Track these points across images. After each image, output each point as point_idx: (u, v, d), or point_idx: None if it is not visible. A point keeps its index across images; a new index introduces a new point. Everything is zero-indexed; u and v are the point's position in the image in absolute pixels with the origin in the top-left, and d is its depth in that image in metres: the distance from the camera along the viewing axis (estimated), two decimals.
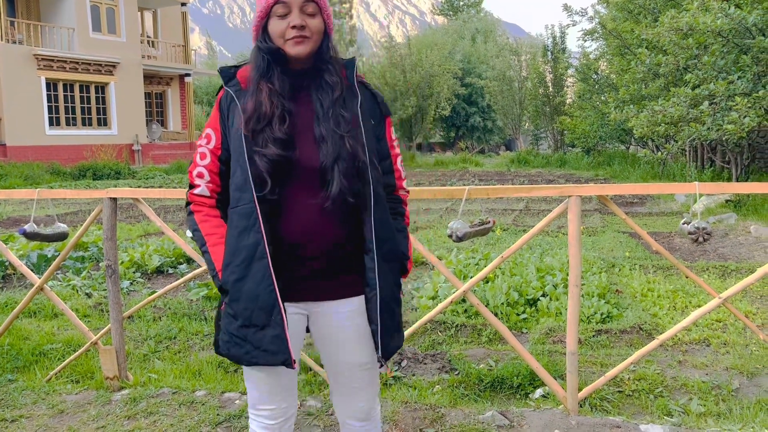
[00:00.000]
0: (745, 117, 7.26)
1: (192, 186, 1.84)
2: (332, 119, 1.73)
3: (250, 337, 1.71)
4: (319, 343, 1.89)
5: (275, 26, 1.73)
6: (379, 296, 1.75)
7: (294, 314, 1.80)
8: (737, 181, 11.40)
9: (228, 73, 1.84)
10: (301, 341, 1.87)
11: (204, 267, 3.42)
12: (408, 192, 2.01)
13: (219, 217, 1.83)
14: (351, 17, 37.82)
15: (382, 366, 1.83)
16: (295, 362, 1.72)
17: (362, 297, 1.80)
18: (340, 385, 1.91)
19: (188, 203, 1.86)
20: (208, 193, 1.82)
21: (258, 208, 1.68)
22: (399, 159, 1.94)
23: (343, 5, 36.94)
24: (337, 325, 1.82)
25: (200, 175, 1.82)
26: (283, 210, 1.72)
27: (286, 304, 1.75)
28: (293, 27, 1.70)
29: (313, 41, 1.74)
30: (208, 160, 1.81)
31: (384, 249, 1.77)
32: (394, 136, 1.93)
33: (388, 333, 1.78)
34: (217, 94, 1.85)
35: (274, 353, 1.70)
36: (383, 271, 1.76)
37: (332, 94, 1.75)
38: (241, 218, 1.70)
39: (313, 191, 1.71)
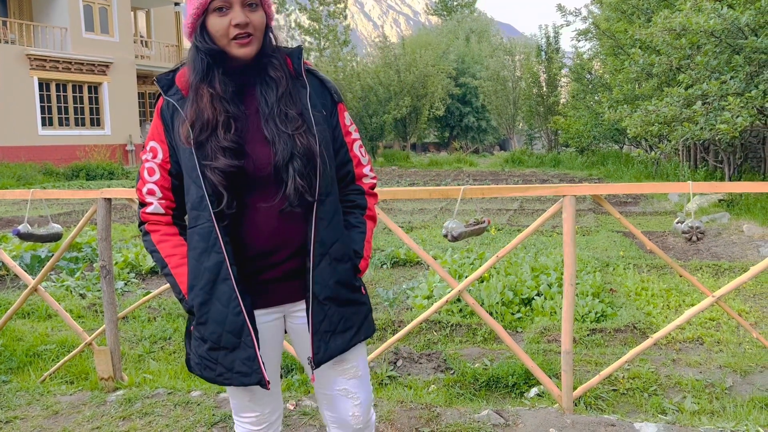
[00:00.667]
0: (737, 117, 7.30)
1: (143, 204, 1.71)
2: (278, 117, 1.62)
3: (221, 359, 1.65)
4: (292, 341, 1.86)
5: (215, 24, 1.58)
6: (312, 298, 1.67)
7: (273, 321, 1.74)
8: (730, 180, 11.46)
9: (165, 81, 1.69)
10: (280, 348, 1.83)
11: None
12: (375, 178, 1.86)
13: (178, 234, 1.72)
14: (345, 17, 37.79)
15: (311, 371, 1.74)
16: (269, 382, 1.66)
17: None
18: (320, 394, 1.85)
19: (142, 223, 1.73)
20: (162, 211, 1.70)
21: (216, 227, 1.59)
22: (356, 144, 1.80)
23: (338, 5, 36.91)
24: (299, 325, 1.77)
25: (151, 192, 1.69)
26: (245, 219, 1.63)
27: (263, 311, 1.71)
28: (236, 25, 1.56)
29: (258, 39, 1.61)
30: (157, 176, 1.68)
31: (329, 249, 1.67)
32: (348, 122, 1.80)
33: (321, 337, 1.68)
34: (156, 103, 1.71)
35: (247, 374, 1.64)
36: (321, 272, 1.66)
37: (276, 90, 1.64)
38: (201, 239, 1.61)
39: (270, 195, 1.62)
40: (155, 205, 1.69)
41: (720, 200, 10.03)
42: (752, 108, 7.39)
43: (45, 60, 21.96)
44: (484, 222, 3.03)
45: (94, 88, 23.97)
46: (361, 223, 1.80)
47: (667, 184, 3.04)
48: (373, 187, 1.86)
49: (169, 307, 5.17)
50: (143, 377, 3.65)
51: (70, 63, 22.71)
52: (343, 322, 1.71)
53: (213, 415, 3.01)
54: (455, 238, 2.94)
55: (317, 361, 1.69)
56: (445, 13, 54.23)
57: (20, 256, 6.56)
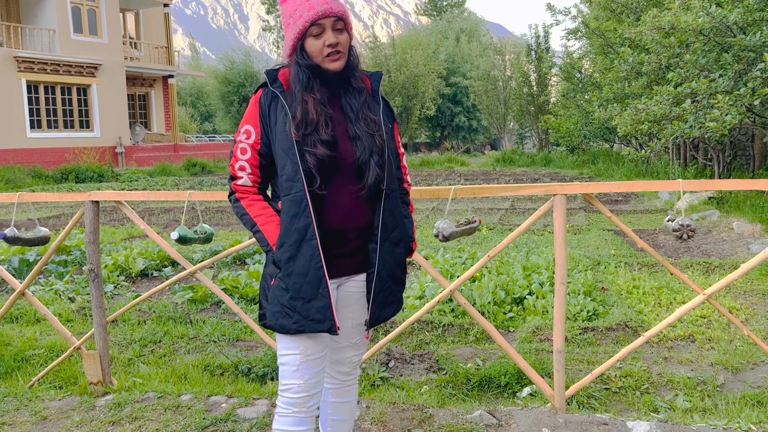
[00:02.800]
0: (726, 115, 7.33)
1: (234, 178, 2.05)
2: (362, 120, 2.00)
3: (299, 308, 1.94)
4: (339, 304, 2.11)
5: (312, 45, 1.96)
6: (377, 273, 2.01)
7: (333, 289, 2.02)
8: (719, 178, 11.51)
9: (273, 75, 2.04)
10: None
11: (187, 270, 3.39)
12: (411, 185, 2.31)
13: (263, 200, 2.05)
14: None
15: (367, 330, 2.12)
16: (338, 328, 1.98)
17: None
18: (334, 342, 2.16)
19: (232, 193, 2.06)
20: (250, 184, 2.03)
21: (308, 195, 1.91)
22: (404, 158, 2.26)
23: None
24: (349, 292, 2.10)
25: (242, 168, 2.02)
26: (327, 201, 1.96)
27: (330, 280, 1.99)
28: (329, 45, 1.94)
29: (345, 56, 1.99)
30: (249, 155, 2.02)
31: (390, 234, 2.04)
32: (399, 139, 2.21)
33: (378, 305, 2.06)
34: (254, 94, 2.04)
35: (321, 321, 1.94)
36: (384, 253, 2.02)
37: (359, 98, 2.03)
38: (293, 204, 1.93)
39: (350, 182, 1.97)
40: (245, 179, 2.03)
41: (710, 198, 10.08)
42: (741, 106, 7.42)
43: (33, 62, 21.80)
44: (475, 222, 3.02)
45: (83, 90, 23.81)
46: (410, 214, 2.23)
47: (658, 182, 3.04)
48: (410, 190, 2.30)
49: (159, 310, 5.13)
50: (133, 381, 3.61)
51: (59, 65, 22.56)
52: (392, 296, 2.11)
53: (203, 419, 2.99)
54: (446, 238, 2.93)
55: (371, 324, 2.08)
56: (435, 13, 54.31)
57: (8, 260, 6.49)
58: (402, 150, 2.24)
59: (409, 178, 2.27)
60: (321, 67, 1.98)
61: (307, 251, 1.93)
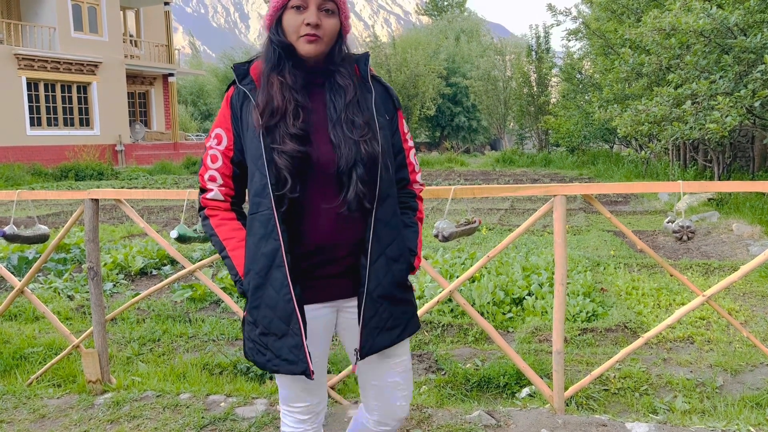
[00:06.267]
0: (727, 116, 7.32)
1: (204, 190, 1.79)
2: (345, 124, 1.69)
3: (270, 345, 1.71)
4: (341, 334, 1.90)
5: (290, 20, 1.67)
6: (366, 294, 1.73)
7: (326, 315, 1.79)
8: (719, 179, 11.52)
9: (241, 70, 1.77)
10: (329, 342, 1.87)
11: (187, 269, 3.38)
12: (423, 185, 1.98)
13: (235, 219, 1.80)
14: None
15: (357, 362, 1.80)
16: (313, 372, 1.71)
17: None
18: (369, 389, 1.90)
19: (201, 208, 1.82)
20: (221, 197, 1.78)
21: (276, 214, 1.64)
22: (412, 152, 1.91)
23: None
24: (350, 318, 1.82)
25: (212, 179, 1.78)
26: (306, 212, 1.69)
27: (318, 305, 1.76)
28: (307, 24, 1.65)
29: (325, 42, 1.69)
30: (219, 163, 1.76)
31: (385, 248, 1.75)
32: (406, 129, 1.89)
33: (371, 331, 1.74)
34: (226, 92, 1.79)
35: (293, 362, 1.69)
36: (376, 270, 1.73)
37: (344, 97, 1.71)
38: (261, 225, 1.67)
39: (331, 196, 1.68)
40: (215, 192, 1.78)
41: (709, 199, 10.08)
42: (741, 107, 7.42)
43: (33, 60, 21.78)
44: (475, 222, 3.02)
45: (83, 88, 23.80)
46: (414, 223, 1.89)
47: (658, 183, 3.04)
48: (421, 191, 1.96)
49: (159, 309, 5.13)
50: (131, 380, 3.61)
51: (59, 62, 22.55)
52: (392, 320, 1.78)
53: (202, 417, 2.98)
54: (446, 238, 2.93)
55: (363, 354, 1.75)
56: (435, 13, 54.29)
57: (7, 257, 6.49)
58: (409, 143, 1.90)
59: (419, 177, 1.94)
60: (294, 48, 1.69)
61: (276, 280, 1.67)
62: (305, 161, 1.65)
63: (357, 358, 1.78)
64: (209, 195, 1.78)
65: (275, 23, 1.70)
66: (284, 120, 1.65)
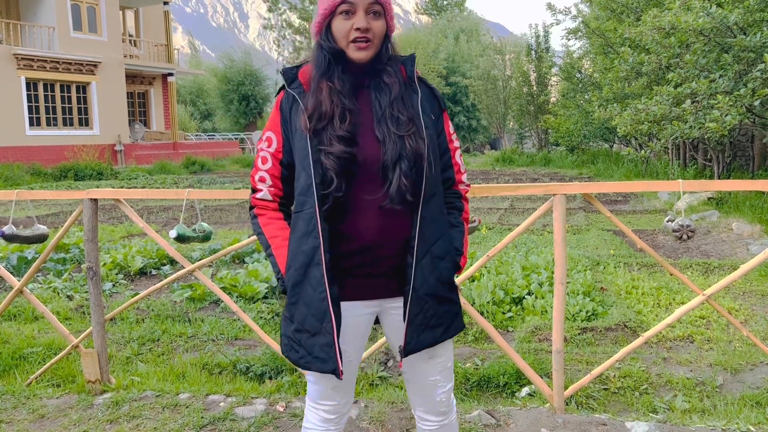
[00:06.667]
0: (726, 115, 7.32)
1: (254, 190, 1.86)
2: (390, 120, 1.73)
3: (303, 342, 1.76)
4: (387, 334, 1.93)
5: (339, 26, 1.71)
6: (413, 292, 1.75)
7: (366, 314, 1.82)
8: (719, 178, 11.51)
9: (290, 75, 1.83)
10: (364, 342, 1.89)
11: (186, 269, 3.38)
12: (469, 186, 2.01)
13: (282, 219, 1.86)
14: None
15: (401, 359, 1.83)
16: (342, 372, 1.73)
17: None
18: (412, 383, 1.93)
19: (252, 207, 1.88)
20: (270, 198, 1.84)
21: (318, 213, 1.69)
22: (458, 152, 1.93)
23: None
24: (395, 318, 1.84)
25: (262, 180, 1.84)
26: (350, 211, 1.72)
27: (360, 302, 1.79)
28: (357, 29, 1.69)
29: (375, 45, 1.73)
30: (269, 164, 1.83)
31: (431, 246, 1.77)
32: (452, 130, 1.92)
33: (416, 329, 1.77)
34: (276, 96, 1.85)
35: (324, 361, 1.73)
36: (422, 269, 1.75)
37: (389, 94, 1.75)
38: (304, 223, 1.72)
39: (377, 190, 1.72)
40: (264, 192, 1.84)
41: (709, 198, 10.07)
42: (741, 106, 7.42)
43: (32, 59, 21.77)
44: (474, 221, 3.02)
45: (83, 88, 23.79)
46: (460, 223, 1.92)
47: (658, 182, 3.04)
48: (467, 192, 1.99)
49: (158, 309, 5.12)
50: (131, 380, 3.60)
51: (58, 62, 22.53)
52: (436, 319, 1.80)
53: (201, 417, 2.98)
54: None
55: (407, 351, 1.78)
56: (435, 12, 54.27)
57: (6, 257, 6.49)
58: (455, 144, 1.92)
59: (465, 177, 1.96)
60: (345, 54, 1.73)
61: (314, 278, 1.71)
62: (351, 161, 1.70)
63: (401, 356, 1.81)
64: (259, 195, 1.85)
65: (324, 30, 1.75)
66: (332, 123, 1.71)
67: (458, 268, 1.87)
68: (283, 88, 1.83)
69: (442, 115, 1.88)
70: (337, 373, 1.72)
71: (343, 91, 1.73)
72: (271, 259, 1.82)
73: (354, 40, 1.70)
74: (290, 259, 1.77)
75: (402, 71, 1.82)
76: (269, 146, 1.82)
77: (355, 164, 1.70)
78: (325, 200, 1.69)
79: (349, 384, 1.88)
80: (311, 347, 1.74)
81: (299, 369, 1.80)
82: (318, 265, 1.70)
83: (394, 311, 1.84)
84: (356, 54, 1.71)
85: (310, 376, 1.86)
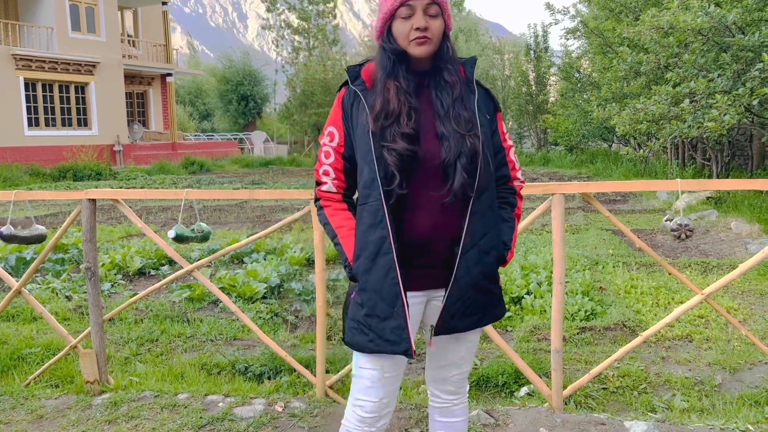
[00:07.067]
0: (725, 114, 7.33)
1: (319, 183, 1.94)
2: (453, 118, 1.81)
3: (374, 326, 1.82)
4: (424, 318, 1.97)
5: (399, 28, 1.80)
6: (455, 280, 1.82)
7: (417, 304, 1.89)
8: (718, 178, 11.52)
9: (354, 72, 1.91)
10: (415, 331, 1.95)
11: (185, 269, 3.38)
12: (523, 182, 2.07)
13: (347, 209, 1.94)
14: (334, 17, 37.72)
15: (431, 337, 1.92)
16: (414, 352, 1.81)
17: None
18: (433, 360, 2.02)
19: (317, 199, 1.97)
20: (334, 190, 1.92)
21: (385, 205, 1.77)
22: (512, 150, 2.02)
23: (327, 5, 36.83)
24: (439, 306, 1.90)
25: (326, 173, 1.92)
26: (409, 205, 1.80)
27: (410, 293, 1.85)
28: (416, 29, 1.78)
29: (434, 43, 1.81)
30: (332, 159, 1.90)
31: (479, 240, 1.84)
32: (505, 129, 2.00)
33: (452, 313, 1.85)
34: (338, 92, 1.92)
35: (396, 343, 1.80)
36: (467, 260, 1.82)
37: (452, 93, 1.84)
38: (369, 215, 1.80)
39: (435, 186, 1.79)
40: (329, 185, 1.92)
41: (708, 198, 10.08)
42: (739, 106, 7.42)
43: (31, 60, 21.74)
44: None
45: (81, 88, 23.76)
46: (511, 219, 2.00)
47: (656, 182, 3.04)
48: (521, 189, 2.07)
49: (157, 309, 5.12)
50: (129, 380, 3.60)
51: (57, 63, 22.51)
52: (473, 308, 1.88)
53: (200, 418, 2.98)
54: None
55: (437, 331, 1.87)
56: None
57: (5, 258, 6.48)
58: (509, 143, 2.01)
59: (519, 174, 2.04)
60: (407, 54, 1.83)
61: (383, 266, 1.79)
62: (412, 158, 1.78)
63: (431, 334, 1.90)
64: (324, 188, 1.93)
65: (386, 32, 1.84)
66: (398, 121, 1.79)
67: (503, 262, 1.95)
68: (345, 84, 1.92)
69: (496, 116, 1.97)
70: (409, 353, 1.79)
71: (409, 90, 1.82)
72: (338, 248, 1.90)
73: (414, 39, 1.79)
74: (358, 248, 1.84)
75: (461, 71, 1.90)
76: (331, 141, 1.90)
77: (416, 161, 1.78)
78: (390, 196, 1.77)
79: (397, 380, 1.94)
80: (381, 331, 1.81)
81: (363, 354, 1.87)
82: (387, 254, 1.77)
83: (436, 299, 1.91)
84: (416, 50, 1.80)
85: (360, 370, 1.91)
